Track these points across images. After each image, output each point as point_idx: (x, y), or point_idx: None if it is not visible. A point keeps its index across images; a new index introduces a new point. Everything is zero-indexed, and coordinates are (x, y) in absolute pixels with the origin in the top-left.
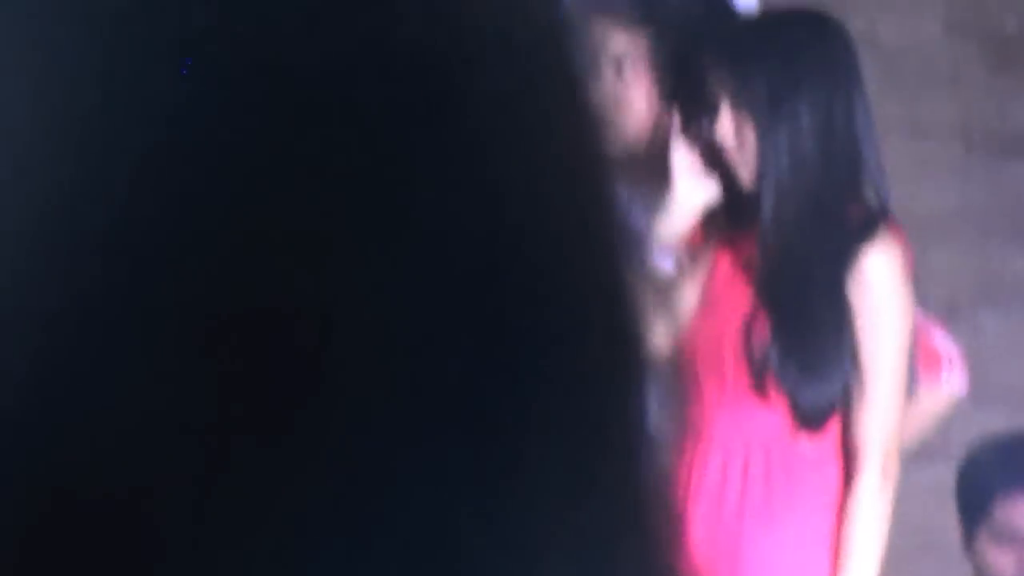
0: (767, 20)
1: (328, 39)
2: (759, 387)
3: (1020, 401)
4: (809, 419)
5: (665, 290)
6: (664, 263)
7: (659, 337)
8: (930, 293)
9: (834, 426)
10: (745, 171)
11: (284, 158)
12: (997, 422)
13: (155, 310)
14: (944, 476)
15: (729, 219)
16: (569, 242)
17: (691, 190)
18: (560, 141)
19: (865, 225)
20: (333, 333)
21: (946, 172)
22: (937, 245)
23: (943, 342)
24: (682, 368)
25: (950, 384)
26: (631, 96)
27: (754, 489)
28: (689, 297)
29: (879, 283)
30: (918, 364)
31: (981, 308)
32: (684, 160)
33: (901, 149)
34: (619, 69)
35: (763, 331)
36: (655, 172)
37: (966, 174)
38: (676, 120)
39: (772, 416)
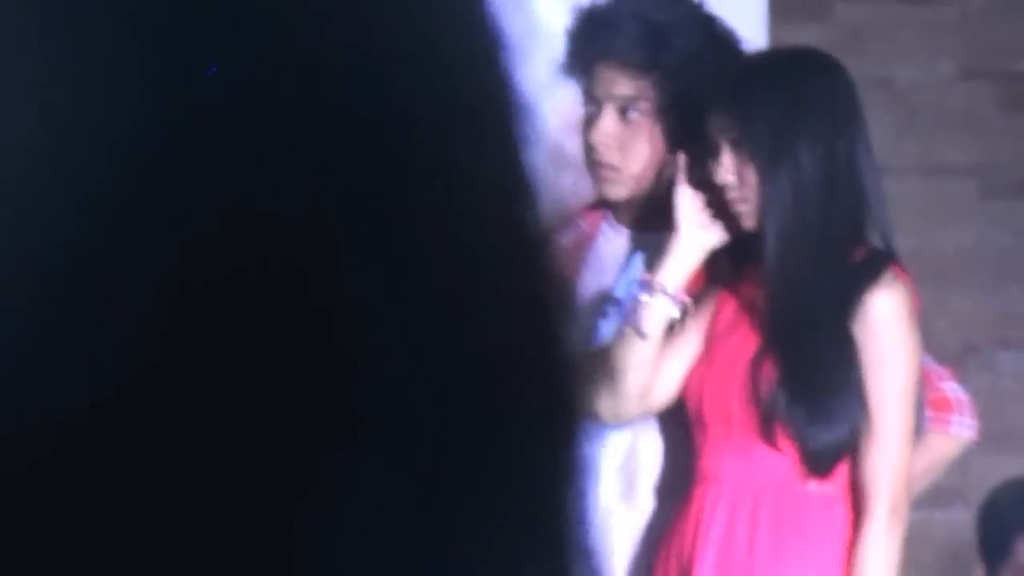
0: (768, 60)
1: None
2: (766, 432)
3: None
4: (818, 463)
5: (670, 335)
6: (670, 308)
7: (664, 382)
8: (947, 335)
9: (843, 468)
10: (748, 213)
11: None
12: (1015, 464)
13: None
14: (962, 519)
15: (733, 262)
16: (509, 313)
17: (695, 234)
18: (497, 217)
19: (870, 266)
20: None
21: (962, 213)
22: (954, 287)
23: (952, 387)
24: (688, 413)
25: (959, 429)
26: (636, 141)
27: (764, 533)
28: (693, 341)
29: (885, 324)
30: (927, 409)
31: (999, 350)
32: (688, 204)
33: (917, 191)
34: (623, 113)
35: (769, 375)
36: (660, 217)
37: (982, 215)
38: (680, 163)
39: (780, 460)
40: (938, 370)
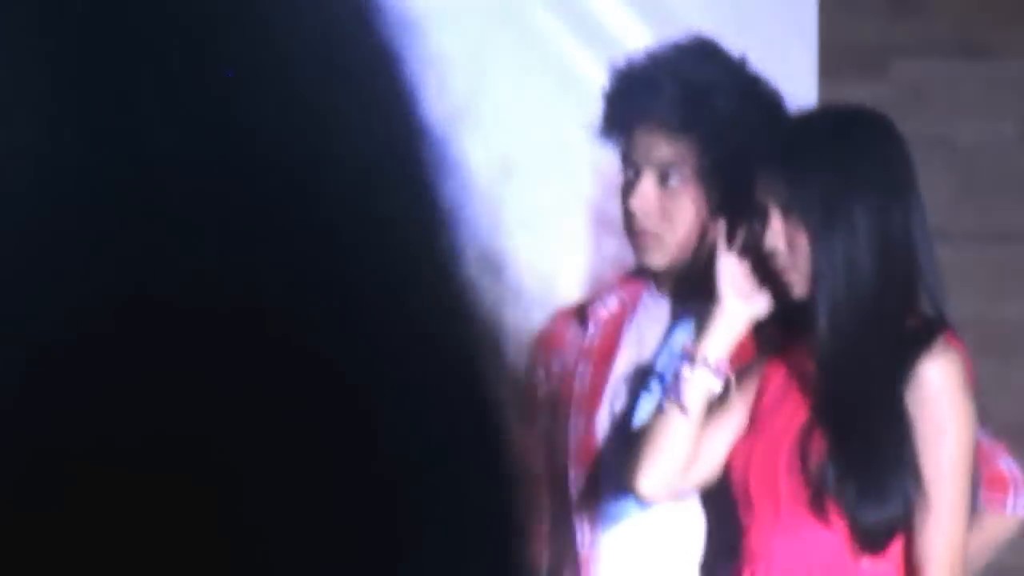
0: (819, 120)
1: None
2: (817, 508)
3: None
4: (870, 541)
5: (714, 408)
6: (713, 381)
7: (708, 458)
8: (1011, 409)
9: (897, 544)
10: (798, 281)
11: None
12: None
13: None
14: None
15: (780, 331)
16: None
17: (739, 304)
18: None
19: (923, 335)
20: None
21: None
22: (1018, 358)
23: (1008, 463)
24: (734, 490)
25: (1016, 508)
26: (676, 207)
27: None
28: (738, 415)
29: (940, 396)
30: (982, 486)
31: None
32: (731, 272)
33: (979, 257)
34: (664, 178)
35: (819, 449)
36: (703, 286)
37: None
38: (723, 229)
39: (831, 538)
40: (993, 445)
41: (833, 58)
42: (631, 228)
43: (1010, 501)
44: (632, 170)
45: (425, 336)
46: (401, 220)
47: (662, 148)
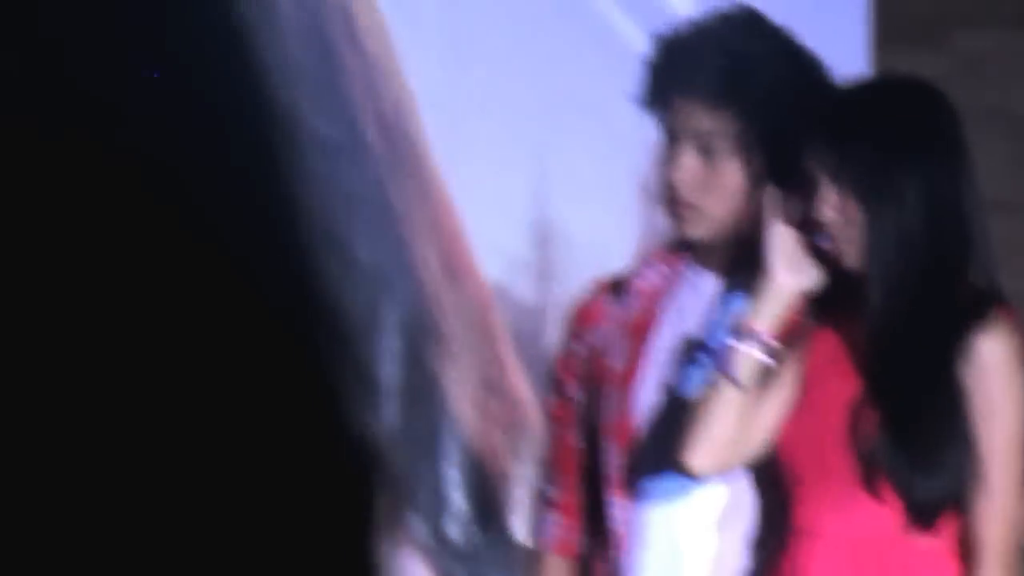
0: (866, 91)
1: None
2: (867, 482)
3: None
4: (924, 516)
5: (763, 381)
6: (762, 354)
7: (759, 431)
8: None
9: (950, 521)
10: (849, 252)
11: None
12: None
13: None
14: None
15: (830, 302)
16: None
17: (790, 276)
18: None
19: (976, 308)
20: None
21: None
22: None
23: None
24: (782, 463)
25: None
26: (720, 178)
27: None
28: (788, 388)
29: (994, 368)
30: None
31: None
32: (780, 244)
33: None
34: (706, 150)
35: (870, 423)
36: (750, 257)
37: None
38: (772, 200)
39: (882, 513)
40: None
41: (890, 28)
42: (670, 200)
43: None
44: (672, 141)
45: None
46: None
47: (703, 119)
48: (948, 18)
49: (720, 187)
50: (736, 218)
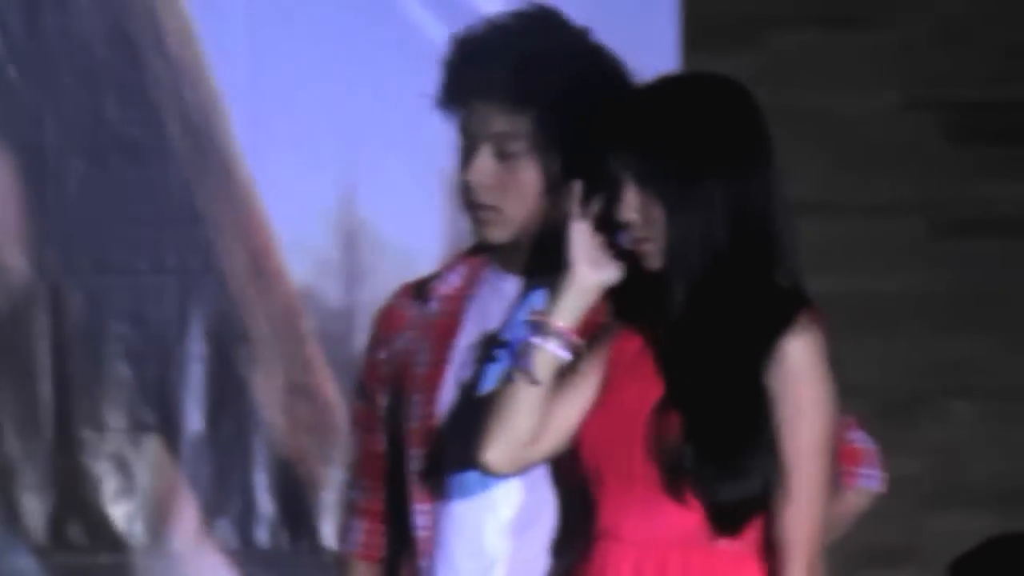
0: (668, 89)
1: None
2: (671, 487)
3: (990, 496)
4: (728, 521)
5: (562, 378)
6: (560, 350)
7: (556, 429)
8: (894, 384)
9: (754, 524)
10: (653, 252)
11: None
12: (969, 519)
13: None
14: None
15: (633, 303)
16: None
17: (590, 269)
18: None
19: (783, 312)
20: None
21: (908, 254)
22: (900, 333)
23: (859, 437)
24: (584, 465)
25: (867, 481)
26: (515, 180)
27: None
28: (588, 385)
29: (801, 371)
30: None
31: (950, 399)
32: (581, 240)
33: (858, 230)
34: (502, 152)
35: (674, 427)
36: (550, 259)
37: (929, 255)
38: (575, 196)
39: (687, 517)
40: (843, 419)
41: (704, 29)
42: (468, 202)
43: (862, 473)
44: (469, 142)
45: None
46: None
47: (497, 121)
48: (761, 19)
49: (517, 189)
50: (535, 220)
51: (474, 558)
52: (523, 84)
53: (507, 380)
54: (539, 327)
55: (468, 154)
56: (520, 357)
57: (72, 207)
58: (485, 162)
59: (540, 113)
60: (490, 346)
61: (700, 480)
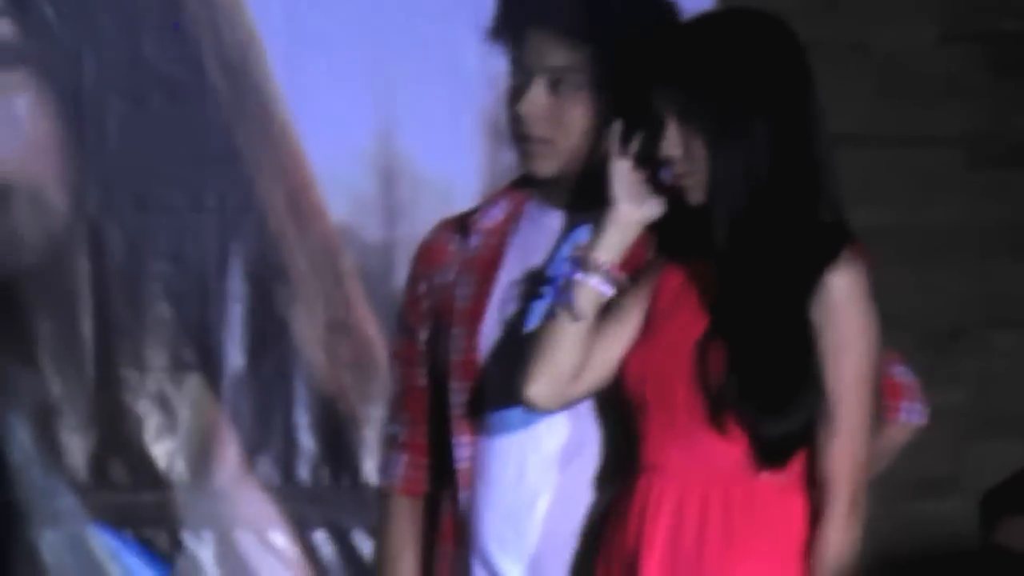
0: (711, 26)
1: None
2: (715, 420)
3: None
4: (772, 455)
5: (606, 312)
6: (603, 285)
7: (599, 364)
8: (934, 316)
9: (798, 457)
10: (695, 188)
11: None
12: (1010, 449)
13: None
14: (957, 509)
15: (677, 238)
16: None
17: (632, 207)
18: None
19: (826, 244)
20: None
21: (948, 185)
22: (940, 264)
23: (901, 372)
24: (629, 399)
25: (909, 415)
26: (568, 114)
27: (714, 527)
28: (632, 320)
29: (845, 305)
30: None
31: (990, 330)
32: (624, 176)
33: (899, 162)
34: (556, 85)
35: (718, 361)
36: (595, 194)
37: (969, 187)
38: (617, 133)
39: (730, 450)
40: (886, 353)
41: None
42: (519, 134)
43: (904, 408)
44: (522, 75)
45: None
46: None
47: (556, 54)
48: None
49: (569, 123)
50: (583, 154)
51: (516, 491)
52: (583, 15)
53: (550, 316)
54: (582, 263)
55: (520, 86)
56: (563, 293)
57: (111, 147)
58: (539, 94)
59: (596, 47)
60: (534, 282)
61: (745, 413)
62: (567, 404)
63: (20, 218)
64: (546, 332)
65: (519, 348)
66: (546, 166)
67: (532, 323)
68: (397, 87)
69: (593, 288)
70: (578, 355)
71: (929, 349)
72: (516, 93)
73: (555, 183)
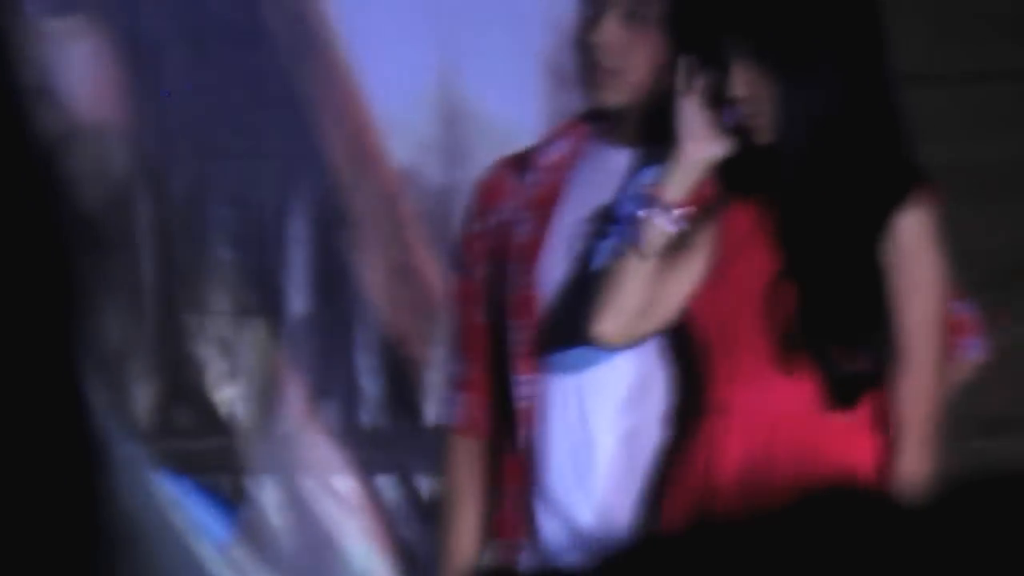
0: None
1: None
2: (785, 361)
3: None
4: (844, 396)
5: (673, 250)
6: (669, 224)
7: (667, 301)
8: (994, 255)
9: (868, 398)
10: (763, 128)
11: None
12: None
13: None
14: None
15: (744, 177)
16: None
17: (698, 146)
18: None
19: (896, 185)
20: None
21: (1010, 122)
22: (1004, 200)
23: (963, 308)
24: (696, 338)
25: (971, 352)
26: (639, 46)
27: (783, 468)
28: (699, 259)
29: (915, 247)
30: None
31: None
32: (691, 114)
33: (962, 98)
34: (631, 16)
35: (787, 301)
36: (661, 126)
37: None
38: (684, 72)
39: (799, 390)
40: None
41: None
42: (588, 63)
43: (966, 344)
44: (596, 6)
45: None
46: None
47: None
48: None
49: (642, 54)
50: (652, 88)
51: (580, 431)
52: None
53: (619, 254)
54: (648, 201)
55: (594, 17)
56: (630, 232)
57: (171, 92)
58: (614, 24)
59: None
60: (600, 220)
61: (818, 353)
62: (636, 342)
63: (82, 163)
64: (615, 270)
65: (584, 287)
66: (615, 96)
67: (599, 262)
68: (458, 30)
69: (660, 226)
70: (646, 292)
71: (994, 286)
72: (589, 24)
73: (619, 118)
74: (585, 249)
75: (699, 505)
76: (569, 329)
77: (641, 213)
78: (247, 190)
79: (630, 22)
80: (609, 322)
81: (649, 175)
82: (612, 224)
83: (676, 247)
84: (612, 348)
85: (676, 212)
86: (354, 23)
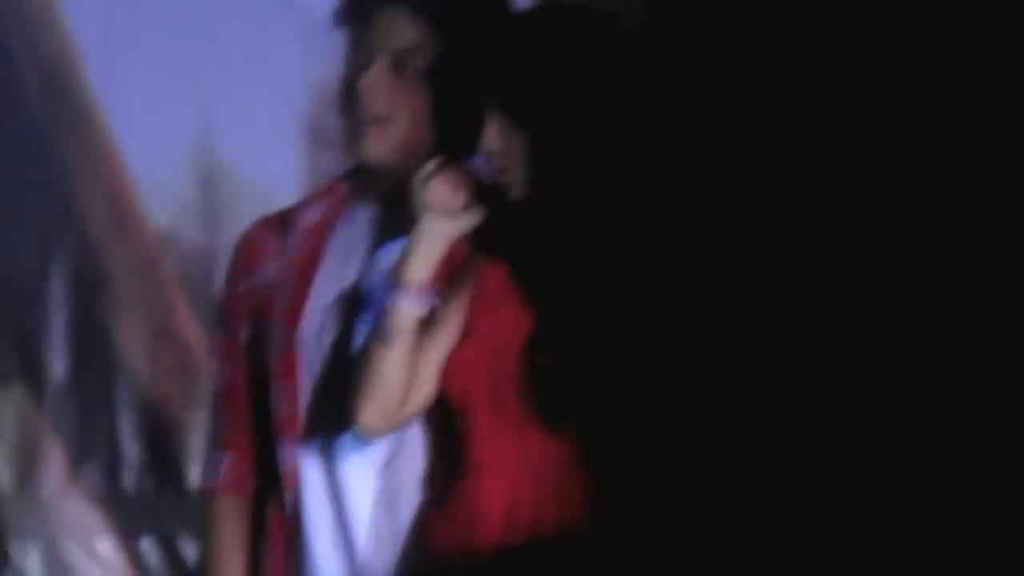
0: (538, 21)
1: None
2: (544, 419)
3: None
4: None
5: (424, 328)
6: (416, 306)
7: (425, 381)
8: None
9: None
10: (515, 183)
11: None
12: None
13: None
14: None
15: (496, 237)
16: None
17: (441, 221)
18: None
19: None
20: None
21: None
22: None
23: None
24: (454, 399)
25: None
26: (407, 95)
27: (550, 524)
28: (451, 328)
29: None
30: None
31: None
32: (434, 187)
33: None
34: (400, 66)
35: (547, 359)
36: (407, 189)
37: None
38: (435, 134)
39: (559, 448)
40: None
41: None
42: (353, 113)
43: None
44: (364, 56)
45: None
46: None
47: (404, 33)
48: None
49: (409, 105)
50: (412, 144)
51: (339, 493)
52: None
53: (371, 344)
54: (392, 286)
55: (361, 66)
56: (380, 322)
57: None
58: (381, 71)
59: (443, 32)
60: (353, 301)
61: (574, 412)
62: (400, 426)
63: None
64: (368, 361)
65: (340, 376)
66: (379, 148)
67: (355, 345)
68: (216, 92)
69: (406, 310)
70: (403, 378)
71: None
72: (355, 73)
73: (380, 177)
74: (341, 331)
75: (461, 565)
76: (325, 399)
77: (388, 302)
78: (5, 254)
79: (397, 71)
80: (369, 413)
81: (395, 249)
82: (363, 306)
83: (429, 321)
84: (378, 435)
85: (424, 292)
86: (112, 85)
